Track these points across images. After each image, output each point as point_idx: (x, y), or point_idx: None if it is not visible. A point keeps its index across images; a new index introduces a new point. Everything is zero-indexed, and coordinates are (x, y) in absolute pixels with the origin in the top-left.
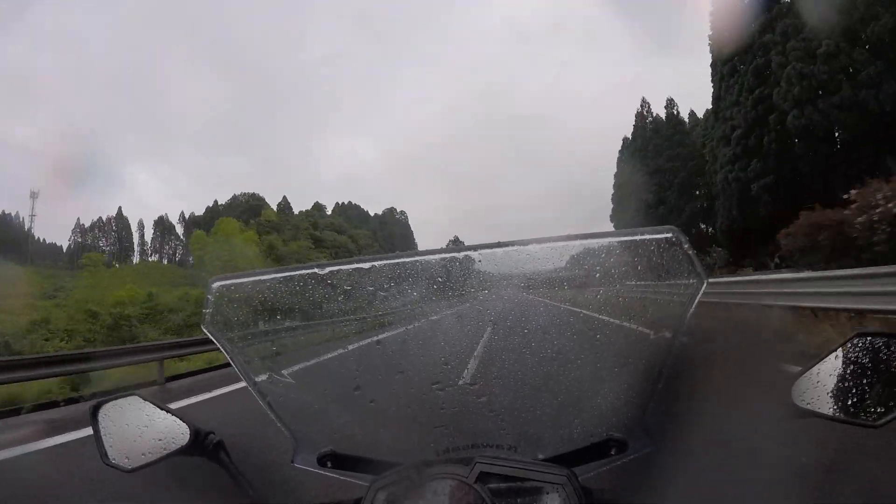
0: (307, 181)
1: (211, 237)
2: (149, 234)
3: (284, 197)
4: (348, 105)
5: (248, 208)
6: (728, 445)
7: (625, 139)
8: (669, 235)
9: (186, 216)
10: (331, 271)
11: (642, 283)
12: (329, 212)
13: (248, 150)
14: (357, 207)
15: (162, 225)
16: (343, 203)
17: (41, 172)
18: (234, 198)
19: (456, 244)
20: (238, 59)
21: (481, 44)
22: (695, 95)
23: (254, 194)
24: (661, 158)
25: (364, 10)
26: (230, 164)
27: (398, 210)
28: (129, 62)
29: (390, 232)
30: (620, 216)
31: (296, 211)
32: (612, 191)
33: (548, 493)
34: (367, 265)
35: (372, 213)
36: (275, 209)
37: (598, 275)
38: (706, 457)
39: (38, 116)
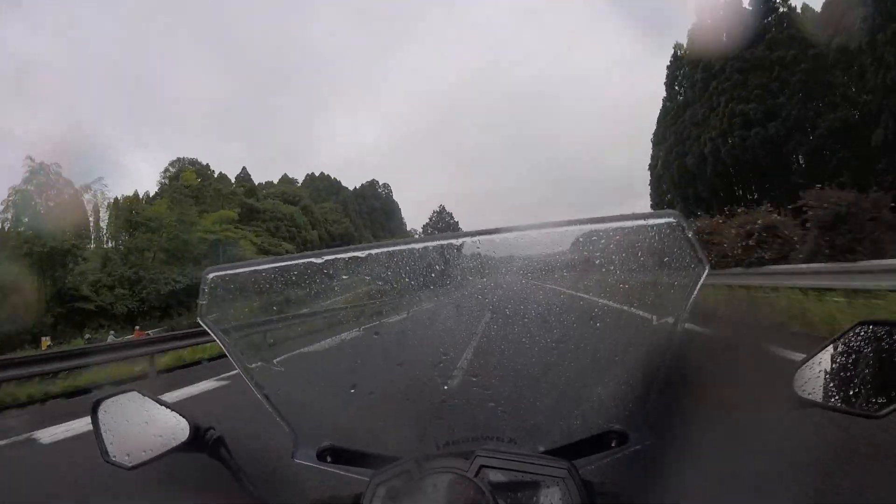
0: (307, 164)
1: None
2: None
3: (244, 168)
4: (349, 86)
5: (176, 174)
6: (729, 436)
7: (677, 45)
8: (671, 220)
9: (140, 195)
10: (327, 260)
11: (643, 269)
12: (300, 184)
13: (247, 134)
14: (328, 178)
15: (116, 207)
16: (315, 174)
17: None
18: (177, 163)
19: (441, 215)
20: (238, 43)
21: (483, 23)
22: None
23: (194, 160)
24: (758, 48)
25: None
26: (228, 148)
27: (380, 183)
28: (125, 46)
29: (370, 206)
30: (678, 159)
31: (257, 181)
32: (619, 171)
33: (548, 487)
34: (363, 253)
35: (351, 187)
36: (232, 179)
37: (598, 261)
38: (707, 448)
39: (30, 104)
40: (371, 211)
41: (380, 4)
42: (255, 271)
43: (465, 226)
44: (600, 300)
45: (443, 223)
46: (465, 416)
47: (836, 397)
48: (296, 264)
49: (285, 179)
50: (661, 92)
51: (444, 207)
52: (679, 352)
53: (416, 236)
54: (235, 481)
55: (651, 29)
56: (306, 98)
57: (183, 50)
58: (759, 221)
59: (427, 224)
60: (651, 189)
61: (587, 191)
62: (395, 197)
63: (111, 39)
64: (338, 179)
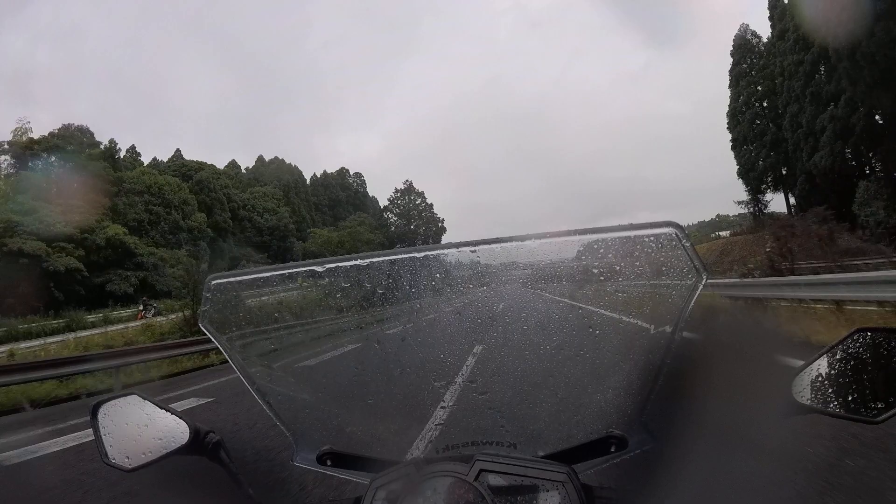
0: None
1: None
2: None
3: (178, 150)
4: (352, 98)
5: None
6: (728, 441)
7: None
8: (669, 231)
9: None
10: (329, 268)
11: (642, 278)
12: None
13: (249, 144)
14: (281, 162)
15: None
16: (269, 158)
17: None
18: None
19: (407, 195)
20: (239, 51)
21: (487, 35)
22: (703, 88)
23: (83, 126)
24: None
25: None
26: (231, 157)
27: (351, 172)
28: (125, 55)
29: (332, 198)
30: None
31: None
32: (614, 184)
33: (548, 491)
34: (364, 262)
35: (318, 174)
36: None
37: (596, 270)
38: (706, 453)
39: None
40: (333, 204)
41: (381, 16)
42: (257, 278)
43: (464, 237)
44: (599, 308)
45: (409, 206)
46: (465, 421)
47: (835, 403)
48: (297, 272)
49: (233, 164)
50: (665, 102)
51: (411, 184)
52: (678, 357)
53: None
54: (235, 484)
55: (653, 40)
56: (306, 109)
57: (182, 53)
58: None
59: (387, 207)
60: (735, 151)
61: (589, 203)
62: (374, 192)
63: (107, 42)
64: (294, 165)
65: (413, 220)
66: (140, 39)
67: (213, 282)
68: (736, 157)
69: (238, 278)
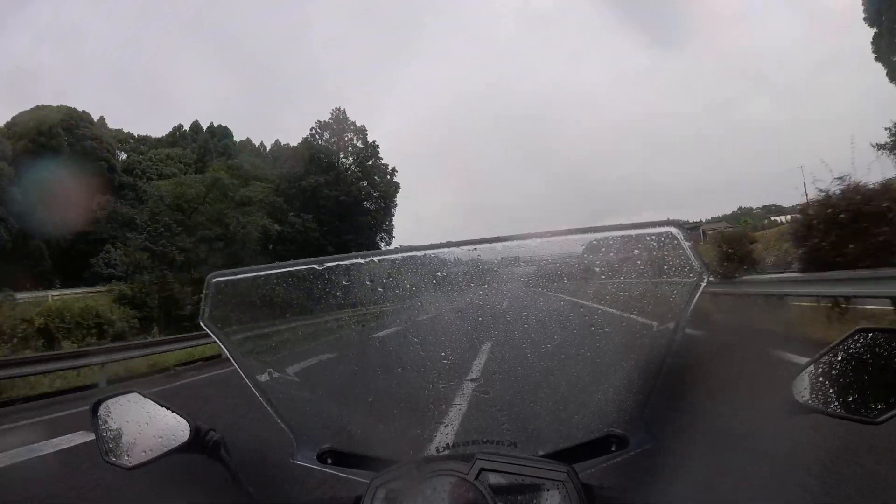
0: None
1: None
2: None
3: (102, 117)
4: (352, 98)
5: None
6: (728, 441)
7: None
8: (671, 230)
9: None
10: (329, 266)
11: (643, 277)
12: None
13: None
14: (218, 126)
15: None
16: (242, 139)
17: None
18: None
19: (337, 127)
20: (240, 51)
21: (488, 35)
22: (705, 91)
23: None
24: None
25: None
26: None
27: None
28: (124, 54)
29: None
30: None
31: None
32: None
33: (548, 490)
34: (364, 260)
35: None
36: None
37: (598, 269)
38: (706, 452)
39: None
40: (309, 191)
41: (381, 16)
42: (258, 277)
43: (465, 236)
44: (601, 307)
45: (338, 146)
46: (466, 420)
47: (835, 403)
48: (298, 270)
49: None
50: (669, 101)
51: (343, 113)
52: (678, 357)
53: None
54: (235, 483)
55: (655, 41)
56: (306, 109)
57: (182, 53)
58: None
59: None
60: (884, 58)
61: (593, 203)
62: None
63: (111, 55)
64: (248, 139)
65: (342, 174)
66: (140, 39)
67: (214, 279)
68: (888, 70)
69: (238, 276)
